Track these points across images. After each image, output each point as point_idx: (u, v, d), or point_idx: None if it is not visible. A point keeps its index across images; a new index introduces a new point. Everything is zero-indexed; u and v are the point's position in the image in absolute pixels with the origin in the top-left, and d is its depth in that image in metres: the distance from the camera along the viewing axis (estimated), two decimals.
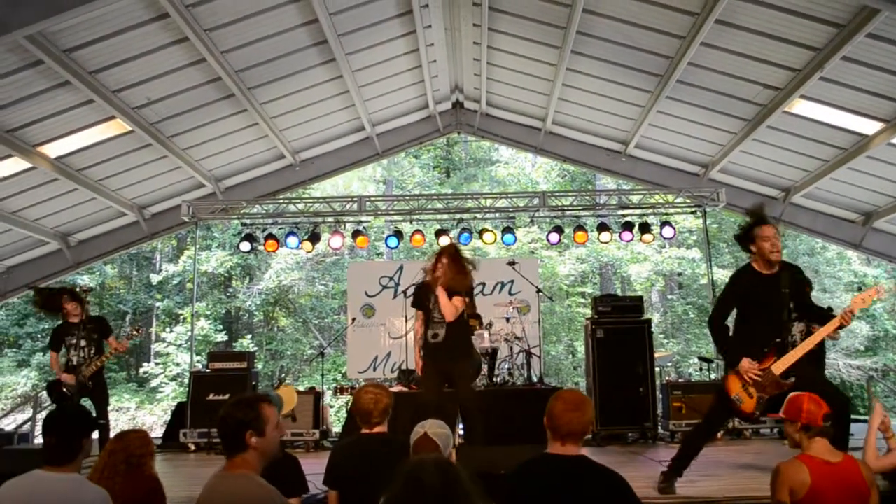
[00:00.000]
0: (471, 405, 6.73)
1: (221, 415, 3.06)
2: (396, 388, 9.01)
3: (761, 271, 5.28)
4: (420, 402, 6.82)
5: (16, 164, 9.49)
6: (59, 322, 7.84)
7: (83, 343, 7.55)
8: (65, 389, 7.47)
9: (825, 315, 5.22)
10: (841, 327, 5.03)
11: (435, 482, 2.25)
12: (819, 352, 8.42)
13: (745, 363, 5.05)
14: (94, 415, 7.65)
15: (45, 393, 8.10)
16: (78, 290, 7.84)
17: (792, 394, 3.75)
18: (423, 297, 6.86)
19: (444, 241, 11.60)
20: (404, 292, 11.03)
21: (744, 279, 5.36)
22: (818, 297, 22.45)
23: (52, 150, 9.58)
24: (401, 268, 12.71)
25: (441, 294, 6.53)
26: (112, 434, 4.59)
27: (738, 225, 5.59)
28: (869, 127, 9.28)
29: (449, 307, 6.52)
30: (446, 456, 3.43)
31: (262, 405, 3.07)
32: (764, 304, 5.20)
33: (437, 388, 6.69)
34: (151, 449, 3.92)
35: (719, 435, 8.45)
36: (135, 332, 8.24)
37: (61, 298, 7.70)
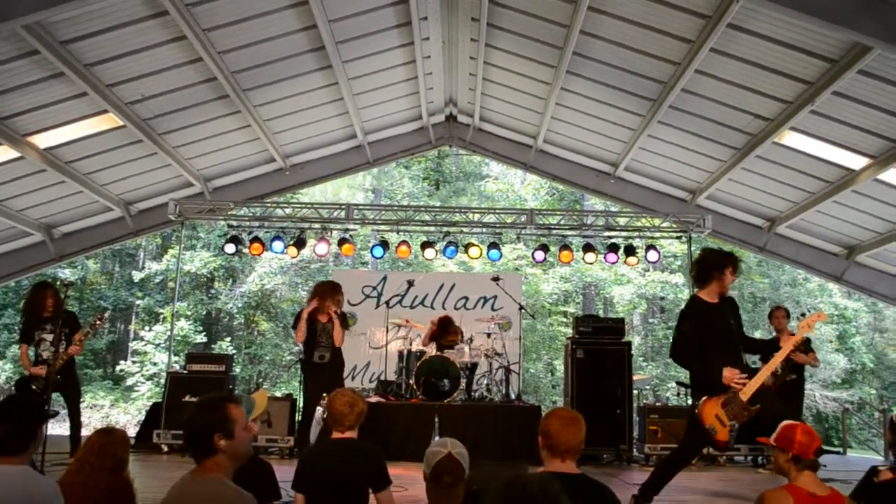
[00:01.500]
0: None
1: (186, 419, 2.96)
2: (374, 399, 8.98)
3: (709, 301, 5.45)
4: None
5: (4, 152, 9.41)
6: (30, 314, 7.71)
7: (53, 338, 7.42)
8: (34, 387, 7.33)
9: (767, 344, 5.38)
10: (790, 355, 5.26)
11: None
12: (799, 382, 8.50)
13: (727, 372, 5.10)
14: (67, 411, 7.62)
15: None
16: (59, 284, 7.74)
17: (785, 422, 3.72)
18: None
19: (430, 253, 11.62)
20: (387, 303, 11.05)
21: (697, 309, 5.47)
22: (793, 327, 22.64)
23: (42, 140, 9.51)
24: (384, 278, 12.70)
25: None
26: (84, 432, 4.49)
27: (710, 251, 5.67)
28: (856, 162, 9.39)
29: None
30: (468, 476, 3.39)
31: (228, 406, 2.95)
32: (718, 333, 5.33)
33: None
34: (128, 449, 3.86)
35: (694, 461, 8.47)
36: (97, 322, 8.08)
37: (48, 293, 7.59)
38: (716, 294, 5.45)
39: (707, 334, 5.33)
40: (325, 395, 7.46)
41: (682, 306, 5.83)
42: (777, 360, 5.25)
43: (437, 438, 8.40)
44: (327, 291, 7.99)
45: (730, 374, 5.10)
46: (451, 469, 3.35)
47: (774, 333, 8.29)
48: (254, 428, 3.23)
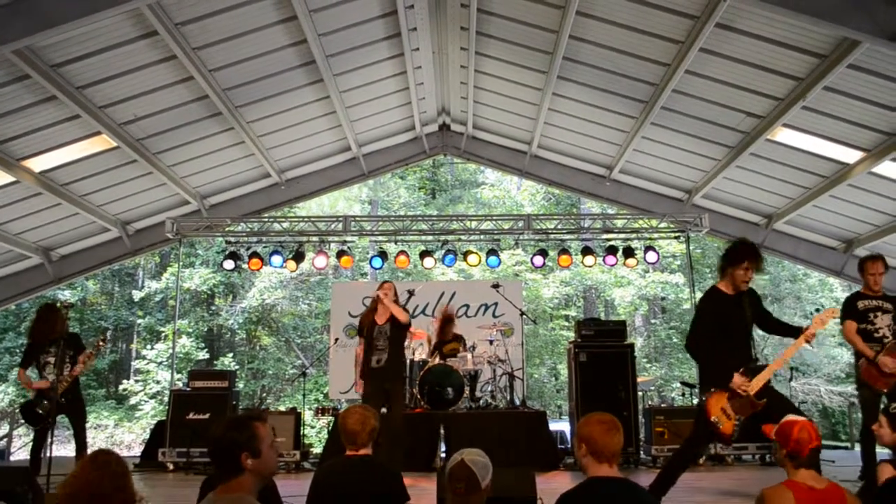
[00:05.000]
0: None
1: (214, 436, 2.94)
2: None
3: (727, 292, 5.46)
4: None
5: None
6: (36, 338, 7.67)
7: (56, 360, 7.37)
8: (39, 410, 7.32)
9: (793, 328, 5.35)
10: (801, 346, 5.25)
11: None
12: None
13: (737, 378, 5.11)
14: (72, 432, 7.59)
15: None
16: (59, 305, 7.72)
17: (788, 417, 3.74)
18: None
19: (429, 262, 11.62)
20: None
21: (715, 300, 5.49)
22: (799, 323, 22.61)
23: (37, 164, 9.53)
24: None
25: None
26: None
27: (734, 244, 5.67)
28: (850, 156, 9.41)
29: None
30: (485, 486, 3.35)
31: (256, 424, 2.96)
32: (732, 325, 5.35)
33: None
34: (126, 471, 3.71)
35: (701, 461, 8.46)
36: (100, 343, 8.08)
37: (56, 317, 7.54)
38: (731, 286, 5.46)
39: (719, 325, 5.35)
40: (385, 403, 7.36)
41: (685, 307, 5.86)
42: (786, 355, 5.25)
43: (443, 447, 8.39)
44: (376, 292, 7.70)
45: (739, 381, 5.10)
46: (463, 476, 3.30)
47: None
48: (278, 447, 3.19)
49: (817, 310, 21.43)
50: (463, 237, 11.77)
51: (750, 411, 5.08)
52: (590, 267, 12.76)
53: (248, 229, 11.65)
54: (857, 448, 7.65)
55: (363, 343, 7.66)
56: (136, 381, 22.18)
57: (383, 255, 11.87)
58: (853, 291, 7.04)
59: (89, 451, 7.19)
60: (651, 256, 11.39)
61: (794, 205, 11.10)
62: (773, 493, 3.45)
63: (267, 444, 2.94)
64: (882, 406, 5.33)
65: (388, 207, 25.92)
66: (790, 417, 3.73)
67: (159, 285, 23.07)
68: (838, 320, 6.50)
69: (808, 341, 5.19)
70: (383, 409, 7.31)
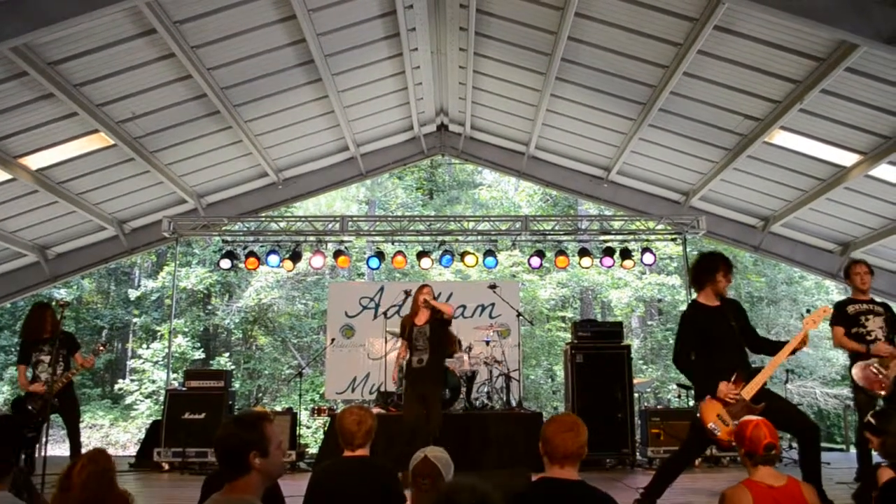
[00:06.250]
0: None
1: (221, 435, 2.90)
2: (375, 410, 8.94)
3: (708, 304, 5.46)
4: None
5: None
6: (28, 336, 7.66)
7: (50, 359, 7.35)
8: (30, 407, 7.29)
9: (775, 344, 5.33)
10: (794, 352, 5.18)
11: None
12: None
13: (723, 386, 5.08)
14: (66, 432, 7.57)
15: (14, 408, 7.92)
16: (54, 304, 7.71)
17: (744, 419, 3.80)
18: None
19: (426, 262, 11.62)
20: (384, 313, 11.02)
21: (697, 313, 5.47)
22: (795, 324, 22.64)
23: (34, 161, 9.51)
24: (381, 289, 12.68)
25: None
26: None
27: (701, 255, 5.67)
28: (847, 159, 9.42)
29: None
30: (448, 480, 3.38)
31: (265, 424, 2.93)
32: (718, 335, 5.32)
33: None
34: (113, 466, 3.70)
35: (697, 462, 8.46)
36: (101, 348, 8.10)
37: (46, 315, 7.54)
38: (713, 296, 5.46)
39: (706, 337, 5.34)
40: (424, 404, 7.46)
41: (681, 309, 5.86)
42: (781, 357, 5.21)
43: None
44: (415, 295, 7.95)
45: (725, 389, 5.07)
46: (428, 472, 3.38)
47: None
48: (284, 448, 3.17)
49: (808, 311, 21.44)
50: (460, 238, 11.78)
51: (748, 416, 5.06)
52: (587, 268, 12.78)
53: (245, 228, 11.64)
54: (854, 450, 7.64)
55: (405, 345, 7.91)
56: (132, 381, 22.12)
57: (380, 255, 11.87)
58: (843, 298, 7.07)
59: (84, 450, 7.18)
60: (648, 258, 11.43)
61: (790, 207, 11.11)
62: (732, 493, 3.54)
63: (275, 445, 2.91)
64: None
65: (386, 208, 25.91)
66: (746, 418, 3.80)
67: (155, 284, 23.03)
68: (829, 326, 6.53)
69: (803, 343, 5.15)
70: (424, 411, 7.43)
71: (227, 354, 23.62)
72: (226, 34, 8.39)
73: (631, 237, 11.65)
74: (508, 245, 12.61)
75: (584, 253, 11.57)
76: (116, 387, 22.86)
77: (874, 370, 6.29)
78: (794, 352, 5.18)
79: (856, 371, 6.43)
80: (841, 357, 21.90)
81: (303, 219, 11.81)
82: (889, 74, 7.55)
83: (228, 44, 8.56)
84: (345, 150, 12.40)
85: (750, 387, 5.07)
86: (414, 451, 3.64)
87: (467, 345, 9.82)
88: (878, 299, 6.82)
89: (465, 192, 27.19)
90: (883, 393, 6.28)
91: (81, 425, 7.81)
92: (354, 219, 12.53)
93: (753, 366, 5.34)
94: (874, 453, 5.97)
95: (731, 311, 5.44)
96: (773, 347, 5.32)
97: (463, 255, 11.54)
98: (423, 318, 7.71)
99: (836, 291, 23.18)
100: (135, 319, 24.16)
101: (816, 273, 13.12)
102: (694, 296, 5.71)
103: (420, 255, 11.66)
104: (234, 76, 9.26)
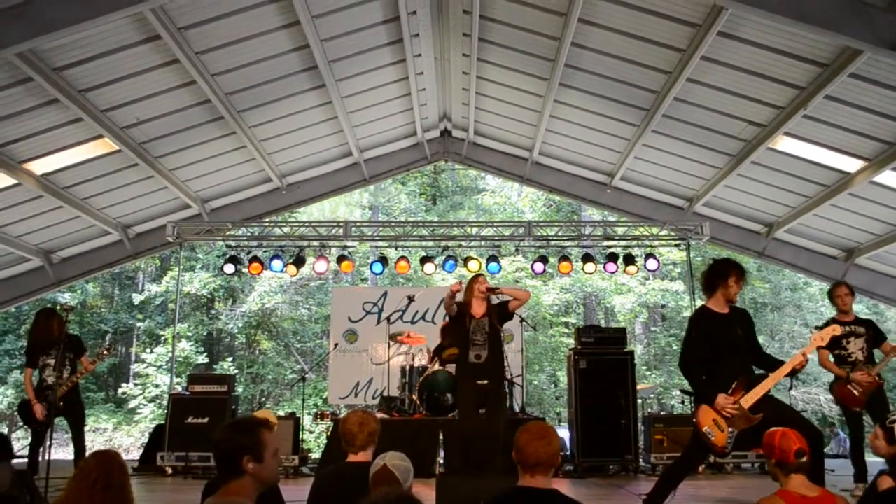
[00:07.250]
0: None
1: (218, 437, 2.93)
2: (378, 416, 8.93)
3: (717, 310, 5.41)
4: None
5: (1, 180, 9.44)
6: (35, 341, 7.65)
7: (56, 363, 7.35)
8: (48, 393, 7.30)
9: (775, 362, 5.29)
10: (795, 373, 5.15)
11: None
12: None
13: (721, 399, 5.05)
14: (70, 435, 7.56)
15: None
16: (59, 308, 7.71)
17: (769, 430, 3.76)
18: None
19: (429, 268, 11.61)
20: (388, 318, 11.02)
21: (705, 319, 5.43)
22: (799, 331, 22.60)
23: (39, 167, 9.54)
24: (385, 294, 12.68)
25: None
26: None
27: (715, 262, 5.64)
28: (851, 165, 9.41)
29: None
30: (406, 489, 3.35)
31: (262, 430, 2.95)
32: (724, 342, 5.28)
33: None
34: (127, 471, 3.75)
35: (700, 469, 8.43)
36: (105, 352, 8.09)
37: (53, 322, 7.53)
38: (723, 303, 5.41)
39: (713, 344, 5.31)
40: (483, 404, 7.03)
41: (685, 315, 5.82)
42: (780, 375, 5.15)
43: (442, 454, 8.38)
44: (468, 285, 7.33)
45: (723, 402, 5.04)
46: (387, 480, 3.34)
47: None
48: (280, 455, 3.17)
49: (817, 327, 21.34)
50: (463, 243, 11.78)
51: (745, 425, 4.99)
52: (590, 274, 12.77)
53: (249, 233, 11.67)
54: None
55: (430, 354, 7.66)
56: (136, 385, 22.16)
57: (384, 260, 11.87)
58: (827, 319, 7.30)
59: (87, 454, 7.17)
60: (651, 264, 11.41)
61: (794, 213, 11.10)
62: (767, 503, 3.48)
63: (270, 451, 2.93)
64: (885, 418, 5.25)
65: (389, 213, 25.93)
66: (772, 429, 3.76)
67: (159, 289, 23.07)
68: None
69: (802, 364, 5.10)
70: (481, 410, 7.06)
71: (230, 359, 23.67)
72: (230, 40, 8.41)
73: (634, 243, 11.65)
74: (512, 250, 12.64)
75: (587, 258, 11.55)
76: (120, 391, 22.87)
77: (850, 388, 6.74)
78: (793, 373, 5.14)
79: (835, 390, 6.99)
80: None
81: (306, 224, 11.83)
82: (893, 80, 7.54)
83: (232, 49, 8.58)
84: (348, 156, 12.41)
85: (749, 396, 5.04)
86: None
87: None
88: (862, 317, 7.25)
89: (469, 198, 27.22)
90: (858, 409, 6.77)
91: (85, 429, 7.79)
92: (358, 224, 12.55)
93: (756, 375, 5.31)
94: (872, 455, 5.95)
95: (740, 320, 5.40)
96: (772, 365, 5.28)
97: (466, 260, 11.53)
98: (480, 310, 7.17)
99: None
100: (138, 324, 24.20)
101: (820, 279, 13.09)
102: (699, 301, 5.69)
103: (423, 260, 11.66)
104: (238, 82, 9.28)
